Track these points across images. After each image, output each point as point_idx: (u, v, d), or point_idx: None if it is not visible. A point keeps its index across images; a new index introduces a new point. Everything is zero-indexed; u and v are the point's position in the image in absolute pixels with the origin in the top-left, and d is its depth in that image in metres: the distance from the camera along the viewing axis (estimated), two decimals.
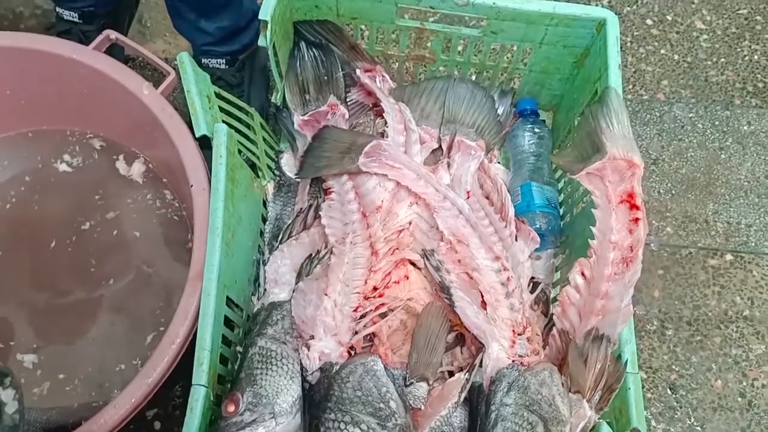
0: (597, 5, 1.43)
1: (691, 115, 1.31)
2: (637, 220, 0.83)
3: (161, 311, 1.03)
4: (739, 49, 1.40)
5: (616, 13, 1.40)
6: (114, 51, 1.06)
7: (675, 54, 1.40)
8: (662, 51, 1.40)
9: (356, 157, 0.94)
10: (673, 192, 1.23)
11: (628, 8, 1.44)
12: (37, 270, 1.06)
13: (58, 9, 1.14)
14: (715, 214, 1.21)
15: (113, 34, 1.00)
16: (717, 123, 1.30)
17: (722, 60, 1.39)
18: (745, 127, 1.30)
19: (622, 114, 0.89)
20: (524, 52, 1.06)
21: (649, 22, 1.43)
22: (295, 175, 1.01)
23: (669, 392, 1.07)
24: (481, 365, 0.83)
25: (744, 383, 1.08)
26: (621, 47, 1.37)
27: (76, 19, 1.13)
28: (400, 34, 1.07)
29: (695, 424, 1.05)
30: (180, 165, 0.92)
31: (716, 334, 1.12)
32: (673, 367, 1.09)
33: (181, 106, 0.90)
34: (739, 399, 1.07)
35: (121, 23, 1.23)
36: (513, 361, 0.83)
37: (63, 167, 1.11)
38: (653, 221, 1.20)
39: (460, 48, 1.08)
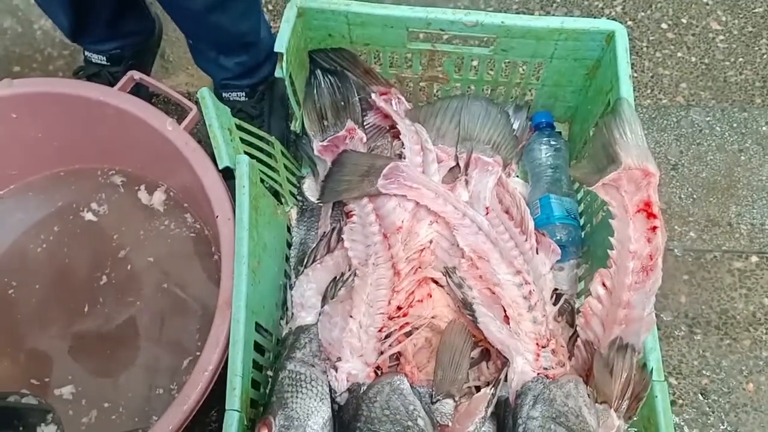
0: (610, 12, 1.44)
1: (708, 118, 1.31)
2: (654, 228, 0.84)
3: (200, 334, 1.06)
4: (756, 48, 1.40)
5: (630, 19, 1.42)
6: (140, 88, 1.10)
7: (692, 56, 1.39)
8: (679, 54, 1.40)
9: (375, 179, 0.96)
10: (695, 196, 1.23)
11: (642, 13, 1.45)
12: (70, 305, 1.09)
13: (86, 53, 1.19)
14: (738, 217, 1.21)
15: (137, 75, 1.04)
16: (735, 125, 1.30)
17: (740, 60, 1.38)
18: (764, 128, 1.29)
19: (635, 124, 0.90)
20: (536, 67, 1.08)
21: (664, 26, 1.43)
22: (317, 199, 1.04)
23: (701, 398, 1.07)
24: (506, 380, 0.84)
25: None
26: (637, 52, 1.38)
27: (104, 62, 1.18)
28: (412, 56, 1.09)
29: (728, 429, 1.05)
30: (201, 191, 0.95)
31: (745, 337, 1.11)
32: (704, 372, 1.09)
33: (205, 138, 0.93)
34: None
35: (147, 62, 1.27)
36: (538, 374, 0.84)
37: (89, 216, 1.16)
38: (676, 226, 1.19)
39: (474, 63, 1.10)
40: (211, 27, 1.00)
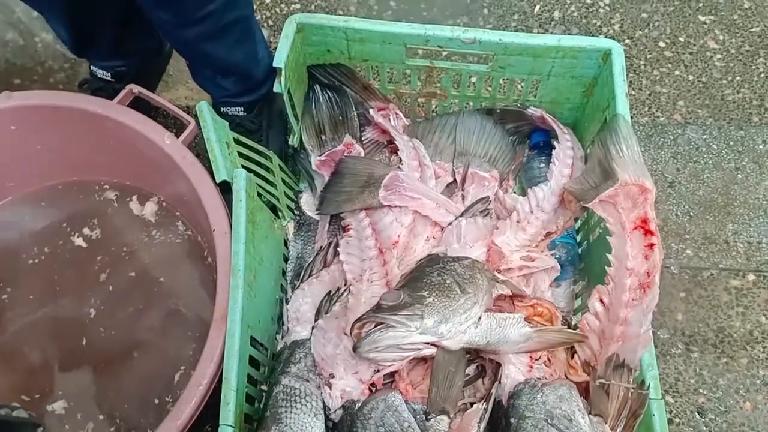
0: (608, 30, 1.45)
1: (705, 136, 1.31)
2: (652, 245, 0.84)
3: (194, 342, 1.05)
4: (754, 67, 1.40)
5: (628, 37, 1.43)
6: (141, 102, 1.10)
7: (690, 75, 1.40)
8: (676, 72, 1.40)
9: (376, 191, 0.97)
10: (691, 214, 1.23)
11: (640, 32, 1.45)
12: (59, 329, 1.09)
13: (91, 66, 1.19)
14: (735, 235, 1.21)
15: (136, 88, 1.04)
16: (732, 143, 1.30)
17: (737, 78, 1.39)
18: (761, 146, 1.29)
19: (631, 140, 0.90)
20: (533, 84, 1.08)
21: (661, 44, 1.44)
22: (316, 210, 1.04)
23: (697, 416, 1.06)
24: (500, 382, 0.84)
25: None
26: (635, 70, 1.39)
27: (109, 78, 1.18)
28: (410, 72, 1.09)
29: None
30: (198, 204, 0.96)
31: (742, 356, 1.11)
32: (701, 390, 1.08)
33: (203, 152, 0.93)
34: None
35: (152, 81, 1.28)
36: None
37: (79, 242, 1.15)
38: (672, 244, 1.19)
39: (473, 80, 1.10)
40: (206, 55, 1.00)
